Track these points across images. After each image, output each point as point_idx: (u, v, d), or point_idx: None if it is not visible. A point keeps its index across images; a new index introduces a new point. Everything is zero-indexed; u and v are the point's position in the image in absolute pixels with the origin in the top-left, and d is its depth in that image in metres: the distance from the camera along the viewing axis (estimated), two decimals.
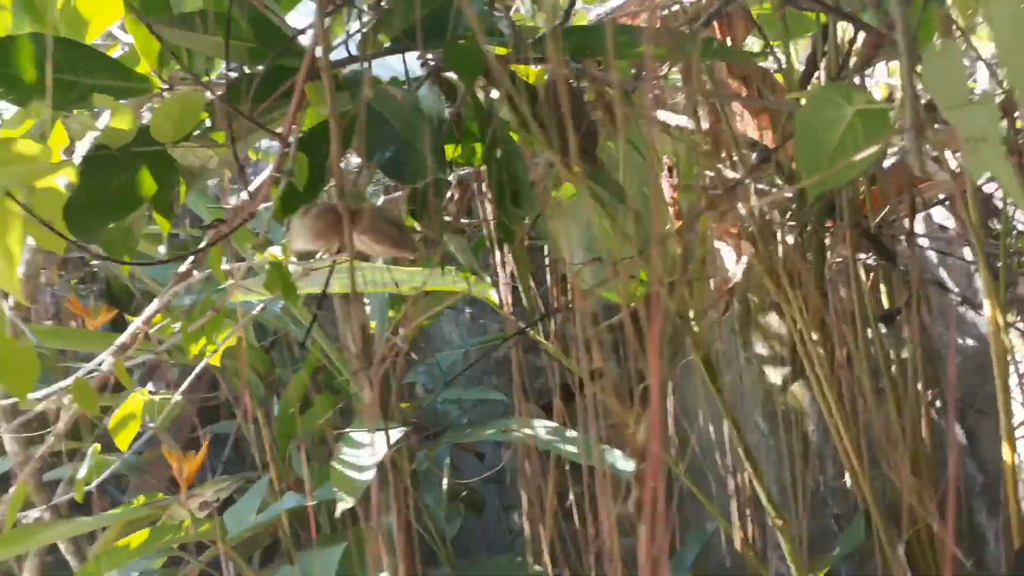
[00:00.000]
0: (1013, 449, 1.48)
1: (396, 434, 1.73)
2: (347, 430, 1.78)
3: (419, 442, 2.30)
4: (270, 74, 1.02)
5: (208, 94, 1.05)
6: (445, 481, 2.23)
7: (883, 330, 1.81)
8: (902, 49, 0.66)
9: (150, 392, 1.44)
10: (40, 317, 2.42)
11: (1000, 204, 1.69)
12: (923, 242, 1.93)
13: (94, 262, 2.49)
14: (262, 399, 2.20)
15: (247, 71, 1.21)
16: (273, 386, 2.31)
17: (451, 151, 1.44)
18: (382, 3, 1.08)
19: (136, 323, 1.44)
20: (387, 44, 1.19)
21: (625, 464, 1.81)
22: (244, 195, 1.09)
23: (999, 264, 1.58)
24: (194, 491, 1.86)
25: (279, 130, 0.98)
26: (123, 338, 1.45)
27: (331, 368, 2.04)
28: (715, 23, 1.53)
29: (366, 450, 1.66)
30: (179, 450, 1.79)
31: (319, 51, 0.80)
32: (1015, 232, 1.86)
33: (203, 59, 1.19)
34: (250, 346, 2.07)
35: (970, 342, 2.03)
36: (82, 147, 1.30)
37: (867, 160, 0.75)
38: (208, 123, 1.17)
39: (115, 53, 1.33)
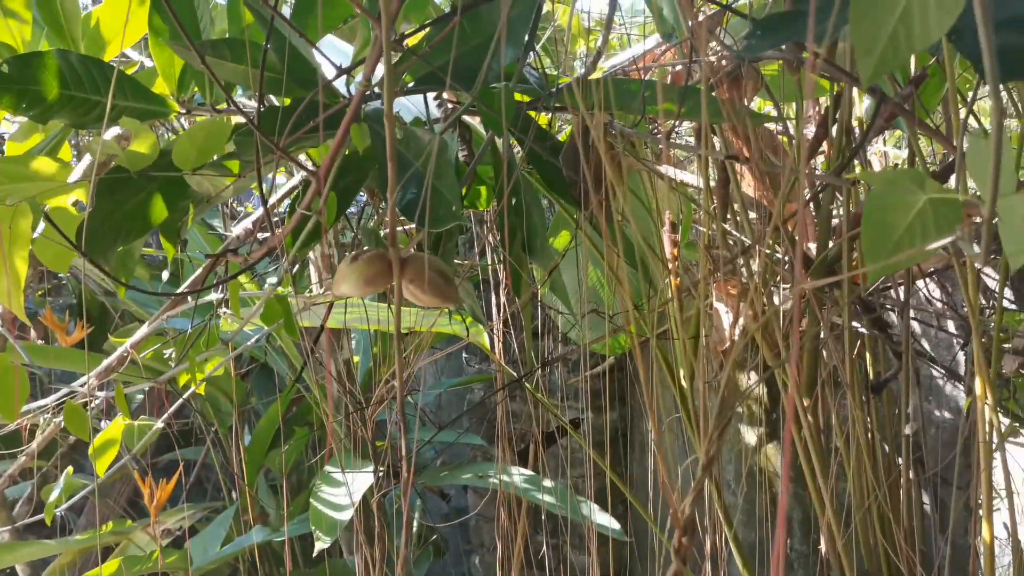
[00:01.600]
0: (991, 527, 1.49)
1: (376, 474, 1.70)
2: (326, 467, 1.75)
3: (392, 483, 2.26)
4: (304, 107, 1.01)
5: (236, 121, 1.04)
6: (415, 524, 2.20)
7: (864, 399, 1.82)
8: (993, 145, 0.67)
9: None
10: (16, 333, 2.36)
11: (991, 282, 1.72)
12: (911, 313, 1.96)
13: (60, 276, 2.44)
14: (235, 427, 2.16)
15: (268, 102, 1.20)
16: (246, 415, 2.27)
17: (464, 194, 1.44)
18: (423, 47, 1.07)
19: (124, 347, 1.41)
20: (411, 84, 1.19)
21: (602, 518, 1.81)
22: (260, 229, 1.08)
23: (983, 341, 1.60)
24: (158, 518, 1.82)
25: (309, 165, 0.97)
26: (110, 360, 1.42)
27: (309, 400, 2.01)
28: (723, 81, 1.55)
29: (344, 489, 1.63)
30: (144, 475, 1.75)
31: (381, 104, 0.79)
32: (991, 309, 1.89)
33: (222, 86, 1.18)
34: (227, 374, 2.04)
35: (947, 415, 2.06)
36: (81, 165, 1.28)
37: (935, 248, 0.75)
38: (225, 152, 1.16)
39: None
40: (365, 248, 0.88)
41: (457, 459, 2.56)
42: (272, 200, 1.48)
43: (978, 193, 0.76)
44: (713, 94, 1.54)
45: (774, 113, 1.70)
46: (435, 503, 2.71)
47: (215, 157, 1.12)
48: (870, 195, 0.77)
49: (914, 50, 0.65)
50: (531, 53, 1.15)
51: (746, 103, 1.62)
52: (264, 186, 1.70)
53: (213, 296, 1.42)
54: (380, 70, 1.23)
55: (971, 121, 1.65)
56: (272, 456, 2.18)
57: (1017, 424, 1.82)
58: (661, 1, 1.36)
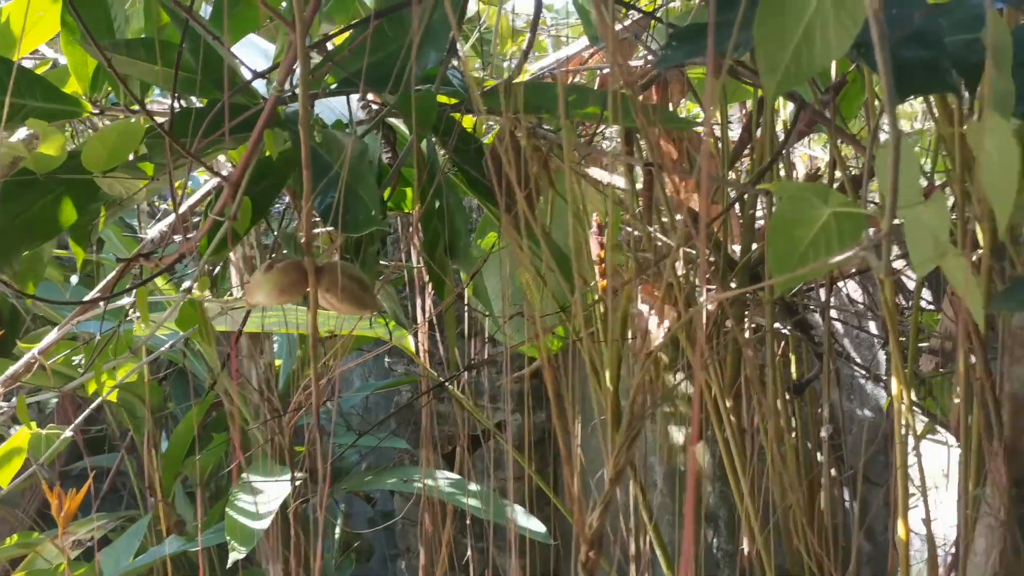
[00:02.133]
0: (907, 524, 1.53)
1: (296, 480, 1.69)
2: (244, 474, 1.72)
3: (314, 488, 2.24)
4: (217, 111, 1.00)
5: (148, 123, 1.01)
6: (338, 530, 2.18)
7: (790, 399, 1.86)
8: (891, 163, 0.69)
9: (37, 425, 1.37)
10: None
11: (909, 283, 1.76)
12: (833, 313, 2.00)
13: None
14: (151, 434, 2.12)
15: (182, 104, 1.18)
16: (163, 421, 2.23)
17: (385, 194, 1.43)
18: (342, 50, 1.06)
19: (32, 353, 1.37)
20: (333, 85, 1.18)
21: (527, 522, 1.81)
22: (171, 233, 1.05)
23: (901, 340, 1.65)
24: (68, 528, 1.78)
25: (228, 167, 0.95)
26: (16, 367, 1.38)
27: (229, 405, 1.98)
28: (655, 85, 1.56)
29: (263, 497, 1.61)
30: (53, 484, 1.71)
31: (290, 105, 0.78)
32: (909, 309, 1.94)
33: (137, 85, 1.16)
34: (143, 378, 1.99)
35: (868, 413, 2.11)
36: None
37: (840, 261, 0.77)
38: (137, 153, 1.13)
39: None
40: (280, 256, 0.87)
41: (385, 462, 2.55)
42: (192, 200, 1.45)
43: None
44: (640, 98, 1.56)
45: (702, 115, 1.72)
46: (361, 507, 2.69)
47: (130, 158, 1.09)
48: (776, 210, 0.79)
49: (815, 69, 0.67)
50: (455, 56, 1.14)
51: (672, 106, 1.64)
52: (183, 188, 1.67)
53: (126, 300, 1.39)
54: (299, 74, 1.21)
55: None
56: (190, 463, 2.15)
57: (933, 423, 1.87)
58: (588, 4, 1.37)
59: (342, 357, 1.89)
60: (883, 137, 1.62)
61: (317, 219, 0.98)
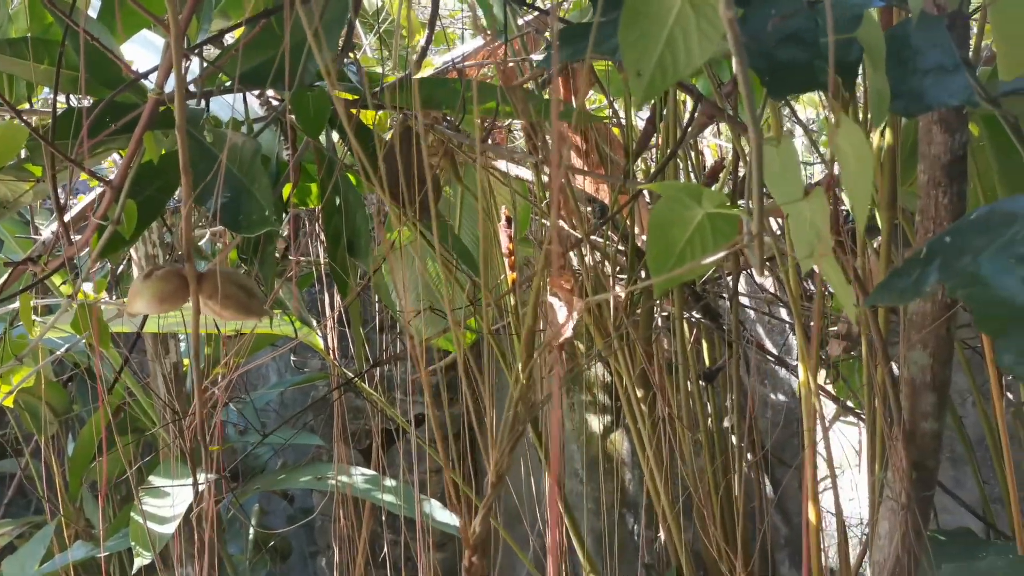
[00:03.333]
0: (817, 507, 1.57)
1: (207, 482, 1.67)
2: (149, 477, 1.71)
3: (227, 487, 2.23)
4: (102, 111, 0.99)
5: (31, 125, 1.00)
6: (252, 530, 2.17)
7: (703, 385, 1.90)
8: (753, 164, 0.72)
9: None
10: None
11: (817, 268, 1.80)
12: (744, 301, 2.04)
13: None
14: (56, 437, 2.08)
15: (73, 103, 1.16)
16: (68, 424, 2.19)
17: (286, 191, 1.43)
18: (232, 48, 1.06)
19: None
20: (228, 83, 1.17)
21: (443, 515, 1.83)
22: (59, 238, 1.04)
23: (812, 324, 1.69)
24: None
25: (108, 173, 0.94)
26: None
27: (135, 407, 1.95)
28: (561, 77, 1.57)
29: (169, 500, 1.60)
30: None
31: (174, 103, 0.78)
32: (829, 294, 1.99)
33: (24, 84, 1.14)
34: (46, 381, 1.96)
35: (782, 398, 2.16)
36: None
37: (716, 261, 0.79)
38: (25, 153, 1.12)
39: None
40: (162, 262, 0.87)
41: (302, 459, 2.54)
42: (86, 202, 1.43)
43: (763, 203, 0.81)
44: (547, 90, 1.57)
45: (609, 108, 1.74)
46: (280, 505, 2.68)
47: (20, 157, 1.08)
48: (653, 211, 0.82)
49: (681, 74, 0.69)
50: (351, 51, 1.15)
51: (579, 97, 1.66)
52: (68, 190, 1.64)
53: (18, 304, 1.36)
54: (196, 71, 1.20)
55: (792, 117, 1.72)
56: (97, 466, 2.12)
57: (843, 409, 1.93)
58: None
59: (252, 354, 1.89)
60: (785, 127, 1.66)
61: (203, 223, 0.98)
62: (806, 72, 0.78)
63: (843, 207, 1.83)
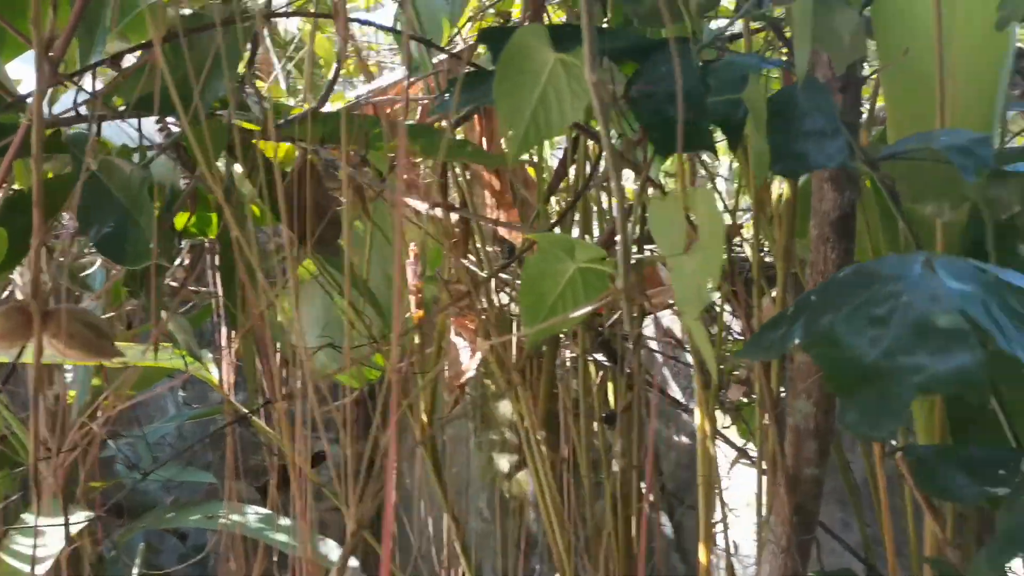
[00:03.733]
0: (708, 548, 1.59)
1: (83, 521, 1.61)
2: (22, 515, 1.64)
3: (114, 525, 2.15)
4: None
5: None
6: (136, 571, 2.09)
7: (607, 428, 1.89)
8: (618, 220, 0.73)
9: None
10: None
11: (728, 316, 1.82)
12: (653, 344, 2.05)
13: None
14: None
15: None
16: None
17: (184, 219, 1.38)
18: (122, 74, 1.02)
19: None
20: (122, 107, 1.13)
21: (338, 556, 1.79)
22: None
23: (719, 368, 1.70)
24: None
25: None
26: None
27: (13, 440, 1.87)
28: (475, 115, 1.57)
29: (43, 540, 1.53)
30: None
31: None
32: (730, 340, 2.01)
33: None
34: None
35: (684, 439, 2.17)
36: None
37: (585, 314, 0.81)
38: None
39: None
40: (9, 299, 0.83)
41: (196, 496, 2.47)
42: None
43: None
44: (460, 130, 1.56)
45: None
46: (171, 543, 2.60)
47: None
48: (526, 263, 0.85)
49: (553, 132, 0.70)
50: (249, 83, 1.12)
51: (498, 138, 1.65)
52: None
53: None
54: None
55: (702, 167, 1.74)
56: None
57: (742, 454, 1.95)
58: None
59: (149, 386, 1.83)
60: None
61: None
62: (692, 132, 0.80)
63: (741, 255, 1.86)
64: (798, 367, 1.11)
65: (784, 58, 1.22)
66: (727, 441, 1.82)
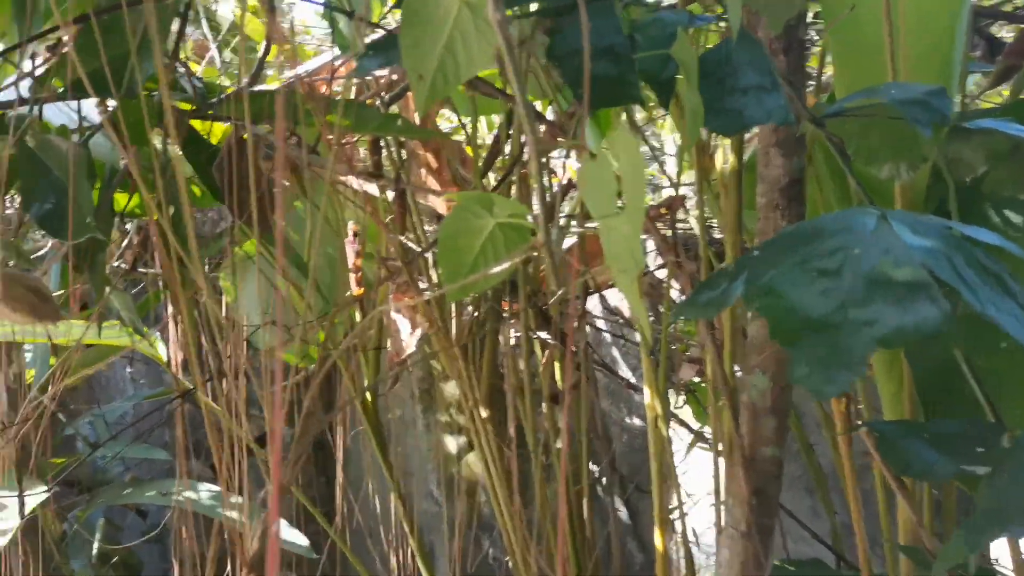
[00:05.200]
0: (664, 534, 1.58)
1: (40, 494, 1.68)
2: None
3: (73, 500, 2.22)
4: None
5: None
6: (96, 545, 2.17)
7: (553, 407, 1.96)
8: (533, 172, 0.75)
9: None
10: None
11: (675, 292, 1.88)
12: (600, 323, 2.12)
13: None
14: None
15: None
16: None
17: (127, 201, 1.46)
18: (59, 49, 1.10)
19: None
20: (61, 89, 1.20)
21: (290, 535, 1.86)
22: None
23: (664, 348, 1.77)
24: None
25: None
26: None
27: None
28: (410, 93, 1.64)
29: (2, 513, 1.60)
30: None
31: None
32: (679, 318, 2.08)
33: None
34: None
35: (637, 421, 2.24)
36: None
37: (507, 270, 0.82)
38: None
39: None
40: None
41: (155, 474, 2.54)
42: None
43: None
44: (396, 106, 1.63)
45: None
46: (132, 520, 2.68)
47: None
48: (444, 222, 0.87)
49: (461, 78, 0.73)
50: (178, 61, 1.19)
51: (431, 115, 1.72)
52: None
53: None
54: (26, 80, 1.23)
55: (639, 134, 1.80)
56: None
57: (699, 437, 1.99)
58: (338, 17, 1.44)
59: (96, 368, 1.90)
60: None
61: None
62: (618, 86, 0.82)
63: (687, 228, 1.92)
64: (751, 341, 1.08)
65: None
66: (681, 423, 1.85)
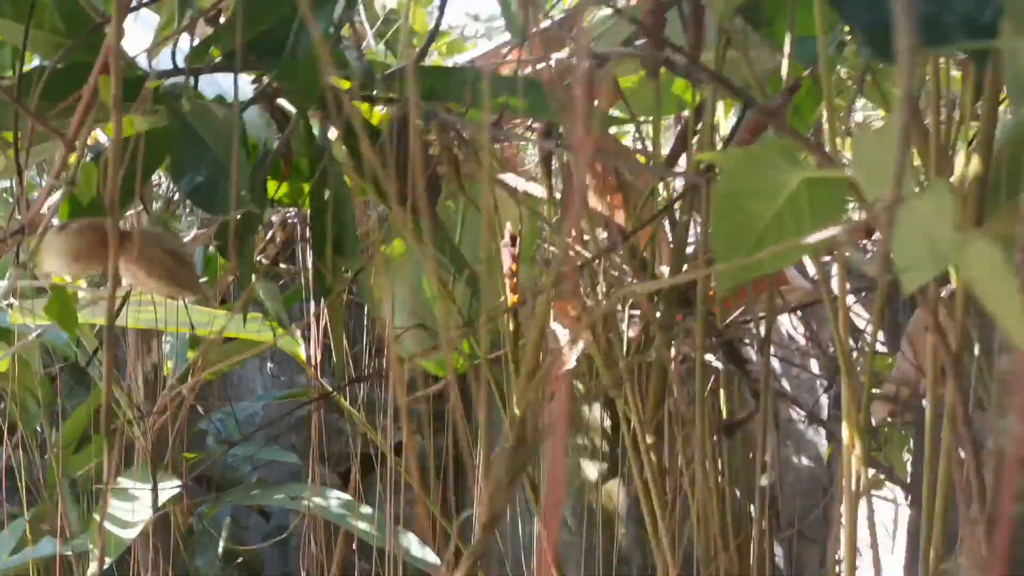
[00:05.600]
0: None
1: (172, 488, 1.63)
2: (118, 479, 1.66)
3: (201, 498, 2.19)
4: (67, 69, 0.94)
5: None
6: (221, 544, 2.12)
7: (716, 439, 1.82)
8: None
9: None
10: None
11: (859, 321, 1.72)
12: (772, 350, 1.96)
13: None
14: (41, 429, 2.06)
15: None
16: (55, 417, 2.16)
17: (276, 188, 1.38)
18: (220, 17, 1.02)
19: None
20: (218, 59, 1.13)
21: (419, 551, 1.77)
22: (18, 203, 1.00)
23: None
24: None
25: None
26: None
27: (115, 406, 1.91)
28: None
29: (138, 504, 1.55)
30: None
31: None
32: (858, 351, 1.91)
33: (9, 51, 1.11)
34: (33, 370, 1.94)
35: (806, 462, 2.07)
36: None
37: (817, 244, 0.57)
38: None
39: None
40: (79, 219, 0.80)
41: (282, 476, 2.50)
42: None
43: None
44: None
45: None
46: (256, 521, 2.64)
47: None
48: (722, 178, 0.62)
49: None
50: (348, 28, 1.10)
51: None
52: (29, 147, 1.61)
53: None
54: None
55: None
56: (76, 461, 2.08)
57: (886, 477, 1.82)
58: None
59: (237, 360, 1.84)
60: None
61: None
62: (932, 29, 0.63)
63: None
64: (1001, 377, 0.92)
65: None
66: (874, 463, 1.67)
